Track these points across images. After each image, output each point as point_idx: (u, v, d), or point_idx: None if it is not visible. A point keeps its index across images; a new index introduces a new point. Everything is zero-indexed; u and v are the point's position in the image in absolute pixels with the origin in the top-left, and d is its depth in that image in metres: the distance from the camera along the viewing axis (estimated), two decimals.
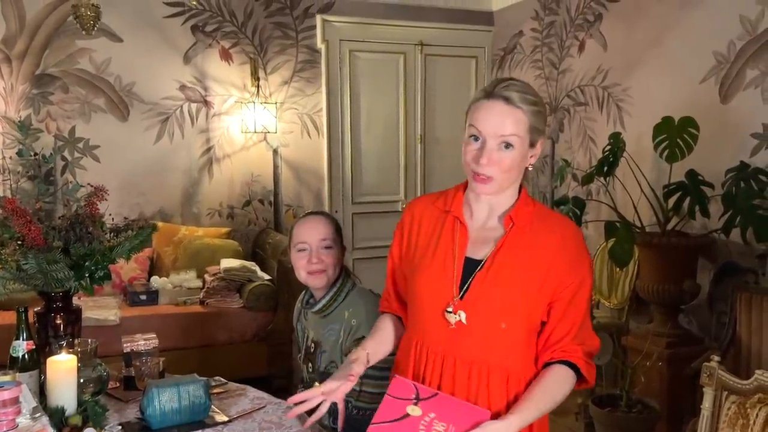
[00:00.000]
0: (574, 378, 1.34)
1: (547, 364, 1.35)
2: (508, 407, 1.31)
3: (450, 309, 1.33)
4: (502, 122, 1.30)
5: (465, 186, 1.43)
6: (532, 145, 1.34)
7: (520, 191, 1.40)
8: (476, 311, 1.32)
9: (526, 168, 1.38)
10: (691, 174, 2.95)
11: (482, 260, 1.34)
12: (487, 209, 1.40)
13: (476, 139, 1.32)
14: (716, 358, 1.88)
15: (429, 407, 1.27)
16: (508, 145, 1.30)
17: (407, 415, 1.25)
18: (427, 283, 1.38)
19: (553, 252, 1.32)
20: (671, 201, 3.00)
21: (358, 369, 1.39)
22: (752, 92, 3.11)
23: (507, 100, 1.30)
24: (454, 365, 1.34)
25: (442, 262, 1.37)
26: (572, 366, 1.33)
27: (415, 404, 1.27)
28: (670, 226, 3.08)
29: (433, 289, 1.37)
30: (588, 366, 1.35)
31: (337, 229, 1.92)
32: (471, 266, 1.35)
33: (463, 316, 1.32)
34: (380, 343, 1.50)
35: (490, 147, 1.30)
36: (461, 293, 1.33)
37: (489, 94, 1.32)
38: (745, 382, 1.77)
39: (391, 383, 1.33)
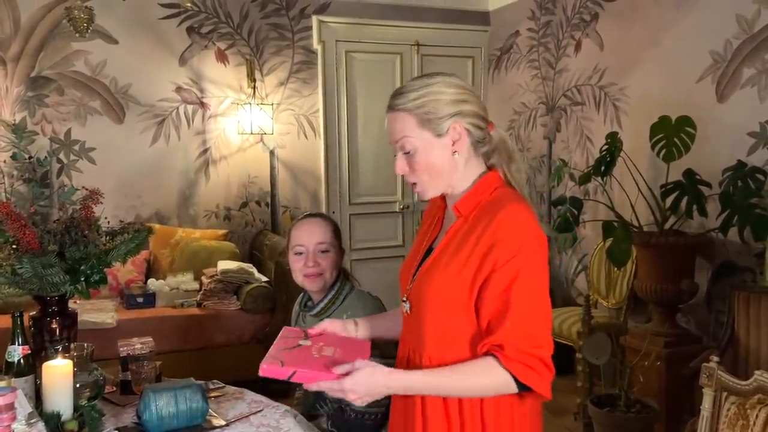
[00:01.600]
0: (503, 377, 1.20)
1: None
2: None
3: (404, 298, 1.39)
4: (390, 130, 1.34)
5: None
6: (439, 134, 1.30)
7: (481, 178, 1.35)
8: (416, 300, 1.34)
9: (481, 148, 1.34)
10: (689, 173, 2.95)
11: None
12: (451, 202, 1.40)
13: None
14: (715, 358, 1.88)
15: (317, 340, 1.38)
16: (407, 151, 1.32)
17: (299, 345, 1.35)
18: (401, 274, 1.45)
19: (483, 238, 1.25)
20: (669, 200, 3.00)
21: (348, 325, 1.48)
22: (749, 91, 3.11)
23: (391, 108, 1.33)
24: (408, 354, 1.37)
25: (414, 253, 1.44)
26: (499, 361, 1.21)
27: (305, 339, 1.39)
28: (667, 226, 3.08)
29: (401, 279, 1.44)
30: (526, 370, 1.19)
31: (336, 232, 1.91)
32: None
33: (407, 306, 1.37)
34: (373, 320, 1.55)
35: (398, 156, 1.34)
36: (412, 282, 1.38)
37: (387, 109, 1.35)
38: (744, 382, 1.77)
39: (281, 333, 1.43)
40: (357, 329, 1.49)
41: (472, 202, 1.32)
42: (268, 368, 1.22)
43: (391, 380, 1.23)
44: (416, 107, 1.30)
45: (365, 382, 1.20)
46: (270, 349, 1.32)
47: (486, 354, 1.23)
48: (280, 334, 1.41)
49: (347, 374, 1.20)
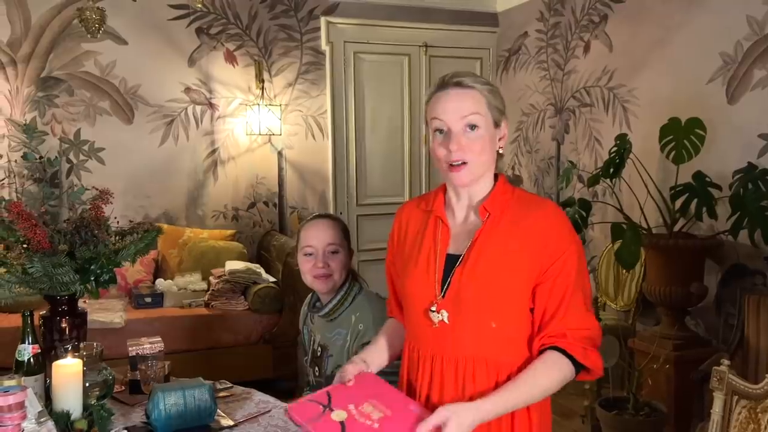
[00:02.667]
0: (568, 365, 1.26)
1: (541, 352, 1.29)
2: None
3: (433, 308, 1.32)
4: (461, 104, 1.31)
5: (445, 188, 1.43)
6: (496, 125, 1.34)
7: (497, 181, 1.39)
8: (457, 308, 1.30)
9: (500, 154, 1.38)
10: (698, 175, 2.93)
11: (461, 255, 1.33)
12: (466, 204, 1.39)
13: (441, 131, 1.33)
14: (726, 362, 1.86)
15: (341, 403, 1.25)
16: (473, 126, 1.31)
17: (342, 423, 1.22)
18: (413, 284, 1.38)
19: (529, 236, 1.28)
20: (678, 202, 2.98)
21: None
22: (759, 93, 3.09)
23: (459, 84, 1.32)
24: (442, 364, 1.33)
25: (425, 262, 1.37)
26: (565, 353, 1.26)
27: (332, 410, 1.24)
28: (676, 228, 3.06)
29: (418, 290, 1.37)
30: (585, 352, 1.26)
31: (345, 233, 1.91)
32: (452, 263, 1.34)
33: (445, 315, 1.31)
34: (379, 351, 1.49)
35: (457, 132, 1.31)
36: (443, 291, 1.32)
37: (440, 85, 1.35)
38: (756, 386, 1.75)
39: (292, 416, 1.28)
40: (368, 365, 1.41)
41: (501, 203, 1.35)
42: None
43: (481, 413, 1.20)
44: (488, 91, 1.34)
45: (467, 426, 1.18)
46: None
47: (545, 347, 1.27)
48: (294, 417, 1.27)
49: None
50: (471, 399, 1.25)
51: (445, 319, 1.31)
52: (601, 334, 1.31)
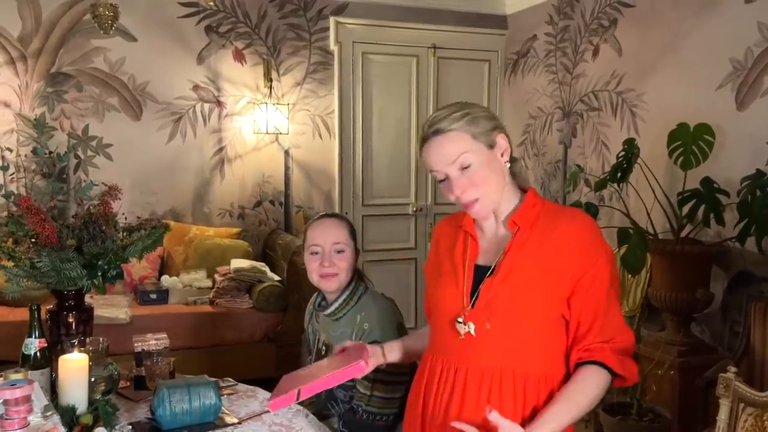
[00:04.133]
0: (606, 377, 1.27)
1: (577, 365, 1.30)
2: (525, 412, 1.28)
3: (460, 319, 1.32)
4: (445, 152, 1.32)
5: None
6: (490, 147, 1.34)
7: (526, 193, 1.40)
8: (487, 319, 1.30)
9: (511, 165, 1.38)
10: (706, 181, 2.92)
11: (491, 267, 1.34)
12: (494, 220, 1.40)
13: (442, 180, 1.35)
14: (733, 369, 1.85)
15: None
16: (465, 167, 1.31)
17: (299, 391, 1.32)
18: (440, 295, 1.39)
19: (561, 247, 1.29)
20: (685, 208, 2.97)
21: (373, 356, 1.45)
22: None
23: (438, 131, 1.33)
24: (466, 376, 1.32)
25: (453, 274, 1.39)
26: (602, 365, 1.28)
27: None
28: (683, 234, 3.05)
29: (445, 301, 1.37)
30: (622, 362, 1.27)
31: (351, 232, 1.91)
32: (482, 275, 1.34)
33: (472, 327, 1.31)
34: (401, 347, 1.52)
35: (454, 176, 1.33)
36: (472, 302, 1.32)
37: (424, 139, 1.36)
38: (762, 394, 1.75)
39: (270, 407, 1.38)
40: (385, 355, 1.47)
41: (531, 215, 1.35)
42: (273, 401, 1.22)
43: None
44: (466, 124, 1.32)
45: None
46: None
47: (583, 360, 1.28)
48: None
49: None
50: (495, 410, 1.24)
51: (472, 331, 1.31)
52: (635, 342, 1.33)
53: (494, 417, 1.19)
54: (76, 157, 4.25)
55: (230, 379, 2.04)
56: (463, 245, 1.41)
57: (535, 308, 1.29)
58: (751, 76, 3.16)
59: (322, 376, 1.24)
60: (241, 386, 1.99)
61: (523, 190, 1.41)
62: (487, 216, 1.38)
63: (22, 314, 2.71)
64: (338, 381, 1.23)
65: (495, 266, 1.33)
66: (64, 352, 1.67)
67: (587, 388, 1.27)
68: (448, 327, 1.35)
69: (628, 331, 1.31)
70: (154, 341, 2.00)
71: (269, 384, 2.11)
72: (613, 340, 1.28)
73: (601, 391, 1.28)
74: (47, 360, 1.73)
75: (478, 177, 1.32)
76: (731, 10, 3.26)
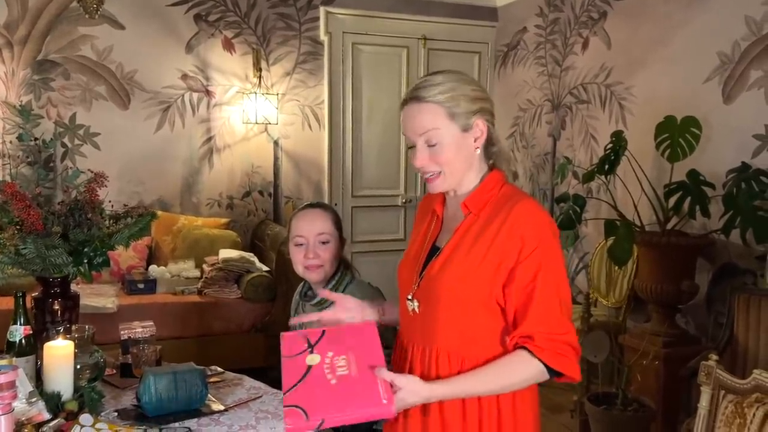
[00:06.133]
0: (536, 367, 1.24)
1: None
2: None
3: (410, 296, 1.37)
4: (416, 122, 1.31)
5: None
6: (465, 129, 1.31)
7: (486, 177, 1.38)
8: (428, 299, 1.33)
9: (487, 148, 1.36)
10: (693, 174, 2.94)
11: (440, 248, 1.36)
12: (456, 200, 1.40)
13: (411, 147, 1.35)
14: (714, 357, 1.88)
15: (323, 348, 1.29)
16: (432, 145, 1.31)
17: (309, 367, 1.26)
18: (401, 271, 1.44)
19: (500, 233, 1.27)
20: (672, 200, 3.00)
21: (371, 311, 1.48)
22: (756, 93, 3.10)
23: (418, 99, 1.31)
24: (412, 352, 1.36)
25: (415, 253, 1.42)
26: (532, 353, 1.25)
27: (311, 352, 1.29)
28: (669, 226, 3.08)
29: (403, 277, 1.42)
30: (557, 356, 1.23)
31: (336, 222, 1.90)
32: (435, 254, 1.37)
33: (415, 304, 1.35)
34: (393, 311, 1.52)
35: (419, 147, 1.32)
36: (418, 281, 1.36)
37: (405, 100, 1.34)
38: (742, 381, 1.77)
39: (281, 344, 1.34)
40: (382, 315, 1.49)
41: (482, 200, 1.34)
42: (293, 426, 1.13)
43: (433, 391, 1.24)
44: (446, 100, 1.30)
45: (411, 402, 1.22)
46: (283, 378, 1.26)
47: (517, 347, 1.26)
48: (282, 346, 1.34)
49: (390, 402, 1.17)
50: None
51: (416, 309, 1.35)
52: (577, 340, 1.27)
53: (383, 374, 1.20)
54: (63, 145, 4.22)
55: (217, 368, 2.04)
56: (430, 223, 1.44)
57: (470, 292, 1.28)
58: (738, 69, 3.19)
59: (346, 403, 1.17)
60: (228, 374, 2.00)
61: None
62: (442, 191, 1.38)
63: (7, 303, 2.70)
64: (363, 419, 1.20)
65: (443, 248, 1.35)
66: (49, 339, 1.66)
67: (505, 370, 1.26)
68: (404, 303, 1.40)
69: (566, 325, 1.26)
70: (140, 329, 2.00)
71: (257, 374, 2.11)
72: (547, 333, 1.24)
73: (525, 378, 1.26)
74: (32, 347, 1.72)
75: (442, 157, 1.31)
76: (719, 4, 3.28)
